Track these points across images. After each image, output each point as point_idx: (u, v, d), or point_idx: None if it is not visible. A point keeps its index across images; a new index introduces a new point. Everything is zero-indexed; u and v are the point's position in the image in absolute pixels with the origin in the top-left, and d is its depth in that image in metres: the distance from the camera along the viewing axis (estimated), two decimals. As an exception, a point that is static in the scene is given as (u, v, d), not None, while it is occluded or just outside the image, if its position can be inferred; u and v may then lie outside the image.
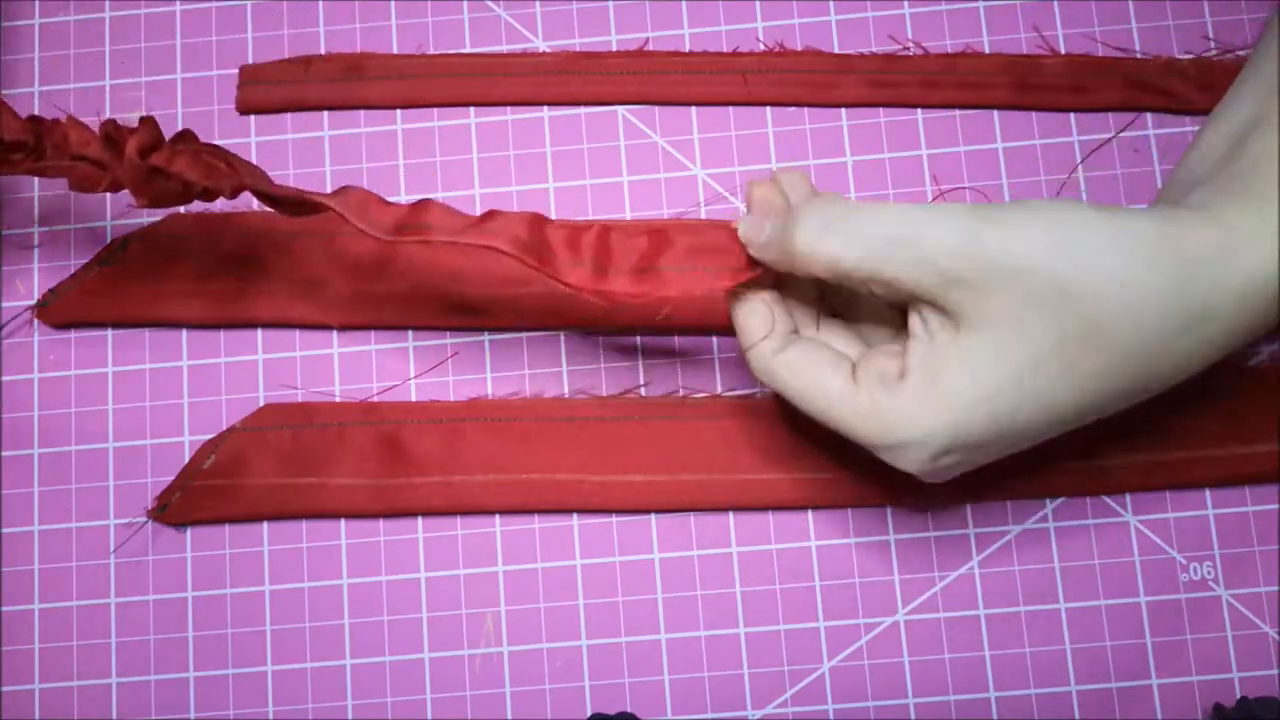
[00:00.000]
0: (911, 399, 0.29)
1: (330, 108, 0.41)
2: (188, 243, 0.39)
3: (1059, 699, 0.36)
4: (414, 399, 0.39)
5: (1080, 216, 0.28)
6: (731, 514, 0.38)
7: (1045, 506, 0.37)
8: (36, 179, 0.40)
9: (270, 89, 0.41)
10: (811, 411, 0.31)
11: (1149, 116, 0.39)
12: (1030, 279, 0.27)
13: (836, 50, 0.40)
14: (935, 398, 0.28)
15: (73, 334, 0.40)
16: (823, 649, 0.37)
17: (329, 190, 0.40)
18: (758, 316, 0.32)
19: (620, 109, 0.40)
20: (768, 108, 0.40)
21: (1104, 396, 0.29)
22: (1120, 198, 0.39)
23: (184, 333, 0.39)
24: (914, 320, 0.29)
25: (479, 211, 0.40)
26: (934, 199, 0.39)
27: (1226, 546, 0.37)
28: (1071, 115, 0.39)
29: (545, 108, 0.40)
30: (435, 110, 0.40)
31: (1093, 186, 0.39)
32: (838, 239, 0.29)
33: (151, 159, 0.31)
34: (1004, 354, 0.28)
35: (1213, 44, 0.40)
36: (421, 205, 0.32)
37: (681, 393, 0.38)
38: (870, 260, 0.28)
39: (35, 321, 0.39)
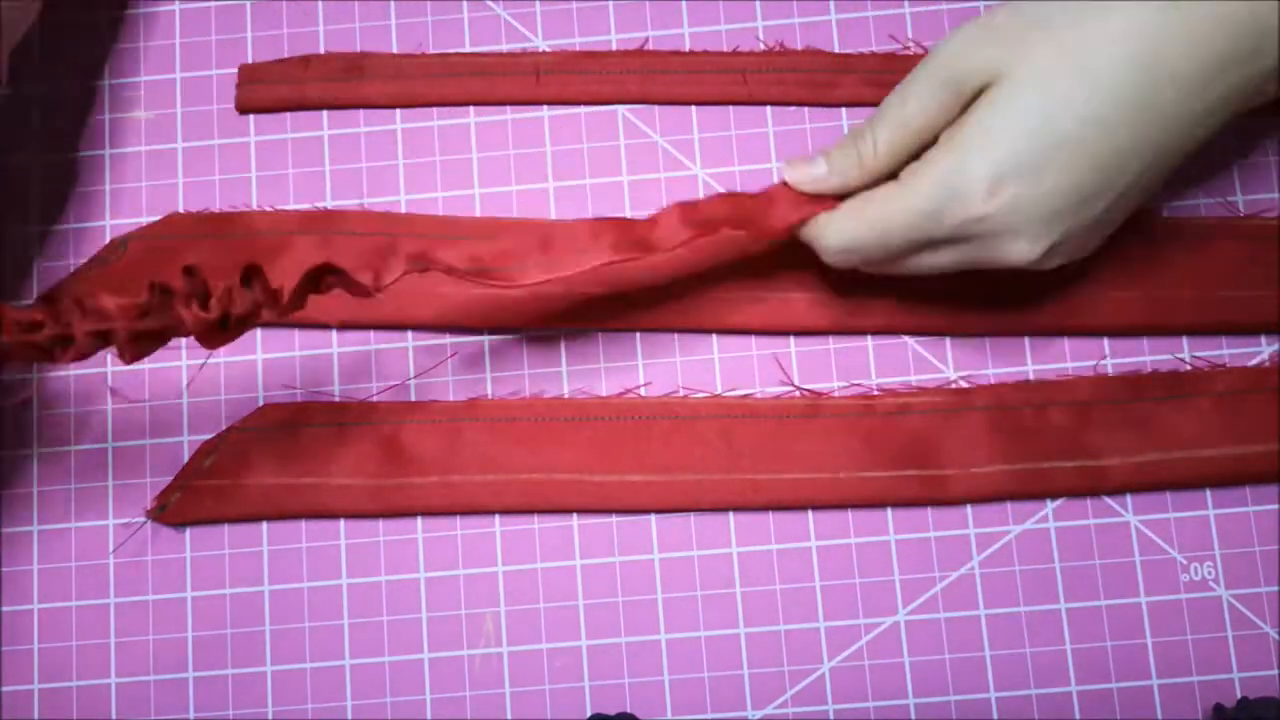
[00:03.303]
0: (945, 150, 0.31)
1: (330, 107, 0.40)
2: (187, 242, 0.39)
3: (1059, 699, 0.36)
4: (414, 399, 0.39)
5: None
6: (731, 514, 0.38)
7: (1045, 506, 0.37)
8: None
9: (270, 88, 0.40)
10: (878, 239, 0.32)
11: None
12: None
13: (837, 50, 0.40)
14: (964, 136, 0.30)
15: (72, 334, 0.39)
16: (823, 649, 0.37)
17: (328, 191, 0.40)
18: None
19: (620, 108, 0.40)
20: (768, 107, 0.40)
21: (1147, 116, 0.30)
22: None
23: (184, 332, 0.39)
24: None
25: (479, 212, 0.40)
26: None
27: (1226, 546, 0.37)
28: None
29: (545, 107, 0.40)
30: (435, 110, 0.40)
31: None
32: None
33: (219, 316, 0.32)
34: (1017, 81, 0.30)
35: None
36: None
37: (681, 393, 0.38)
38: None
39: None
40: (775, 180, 0.35)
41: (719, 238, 0.35)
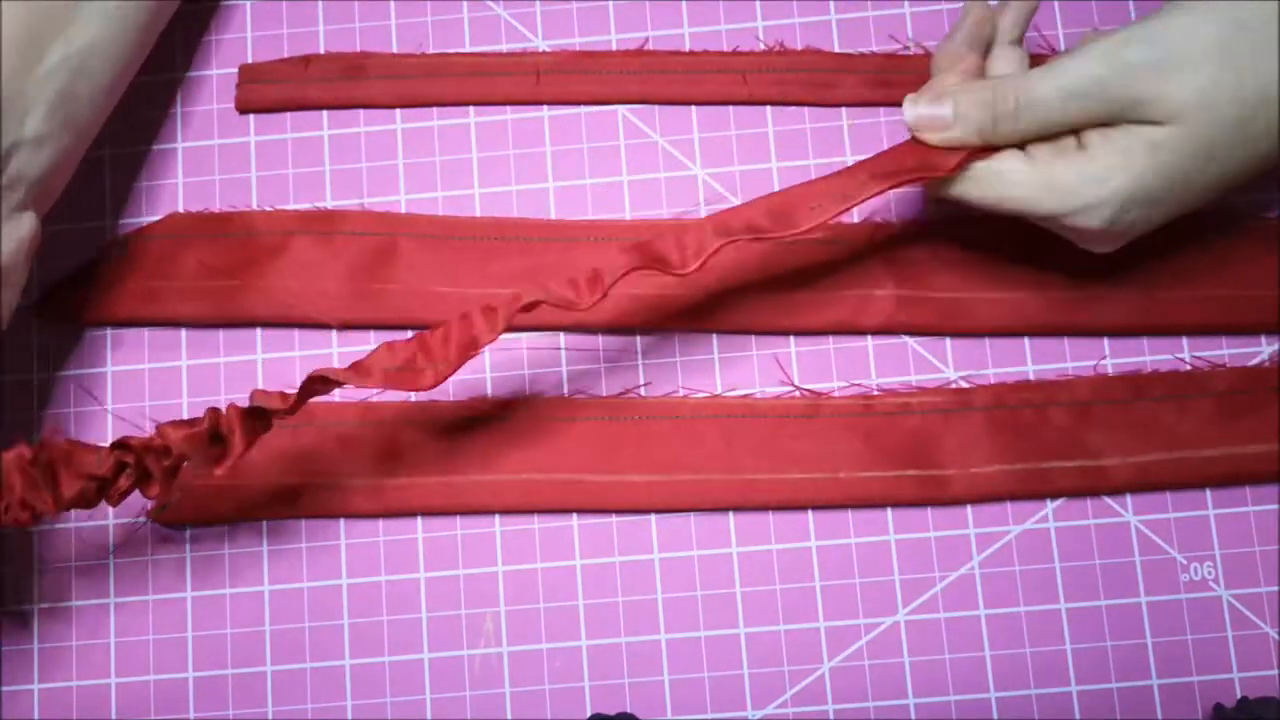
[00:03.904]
0: (1094, 162, 0.31)
1: (330, 107, 0.40)
2: (187, 242, 0.39)
3: (1059, 699, 0.36)
4: (414, 399, 0.39)
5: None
6: (731, 514, 0.38)
7: (1045, 506, 0.37)
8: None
9: (270, 88, 0.40)
10: (995, 200, 0.32)
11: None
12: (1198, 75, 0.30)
13: (837, 49, 0.40)
14: (1117, 160, 0.31)
15: (72, 334, 0.39)
16: (823, 649, 0.37)
17: (328, 191, 0.40)
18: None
19: (620, 108, 0.40)
20: (768, 107, 0.40)
21: (1264, 152, 0.31)
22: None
23: (183, 332, 0.39)
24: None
25: (479, 212, 0.40)
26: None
27: (1226, 546, 0.37)
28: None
29: (545, 107, 0.40)
30: (435, 110, 0.40)
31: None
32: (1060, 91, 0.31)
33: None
34: (1191, 133, 0.30)
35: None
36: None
37: (681, 393, 0.38)
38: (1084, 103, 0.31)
39: (35, 321, 0.39)
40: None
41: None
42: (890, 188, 0.33)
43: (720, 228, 0.33)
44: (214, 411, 0.32)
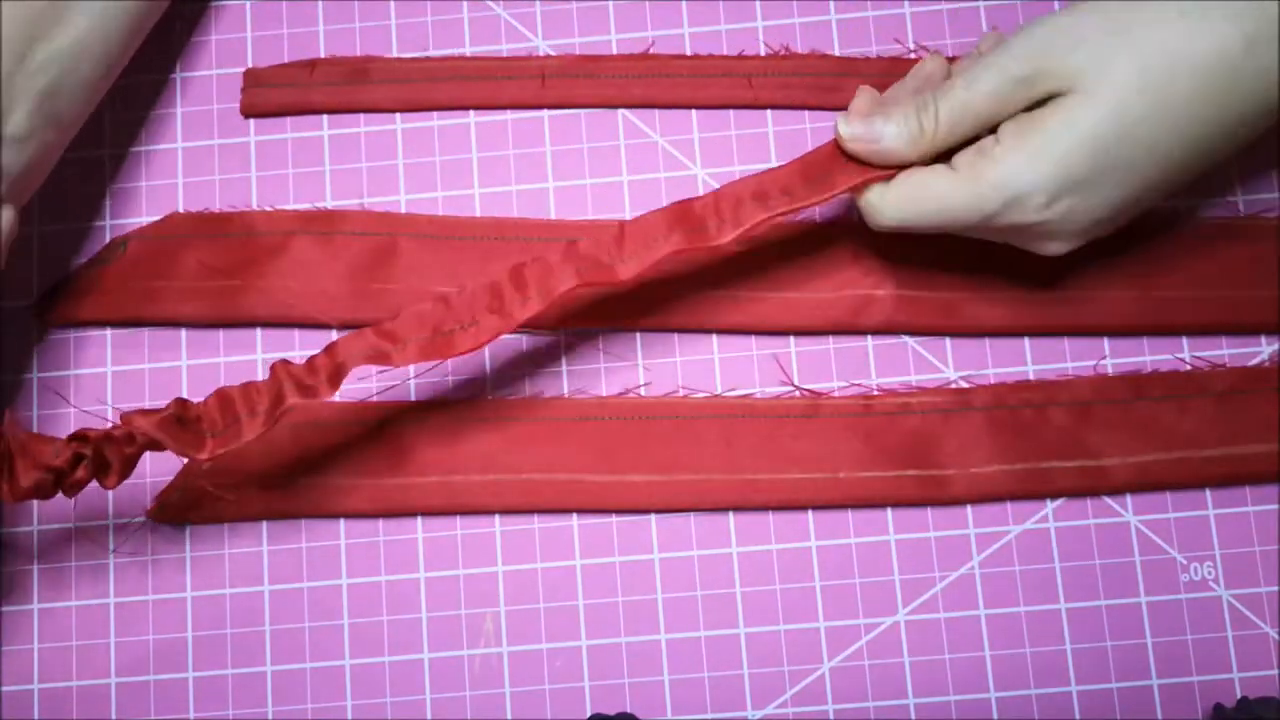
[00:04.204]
0: (1012, 153, 0.31)
1: (334, 111, 0.40)
2: (187, 242, 0.39)
3: (1059, 699, 0.36)
4: (414, 399, 0.39)
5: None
6: (731, 514, 0.38)
7: (1045, 506, 0.37)
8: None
9: (274, 92, 0.40)
10: (932, 220, 0.33)
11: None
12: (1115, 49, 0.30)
13: (837, 50, 0.40)
14: (1034, 146, 0.31)
15: (72, 334, 0.39)
16: (823, 649, 0.37)
17: (328, 191, 0.40)
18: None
19: (620, 109, 0.40)
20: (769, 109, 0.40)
21: (1197, 131, 0.31)
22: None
23: (183, 332, 0.39)
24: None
25: (479, 212, 0.40)
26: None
27: (1226, 546, 0.37)
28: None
29: (546, 108, 0.40)
30: (435, 110, 0.40)
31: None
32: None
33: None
34: (1094, 100, 0.30)
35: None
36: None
37: (681, 393, 0.38)
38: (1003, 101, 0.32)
39: (35, 321, 0.39)
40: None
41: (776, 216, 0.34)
42: (812, 204, 0.34)
43: (759, 194, 0.34)
44: (180, 401, 0.32)
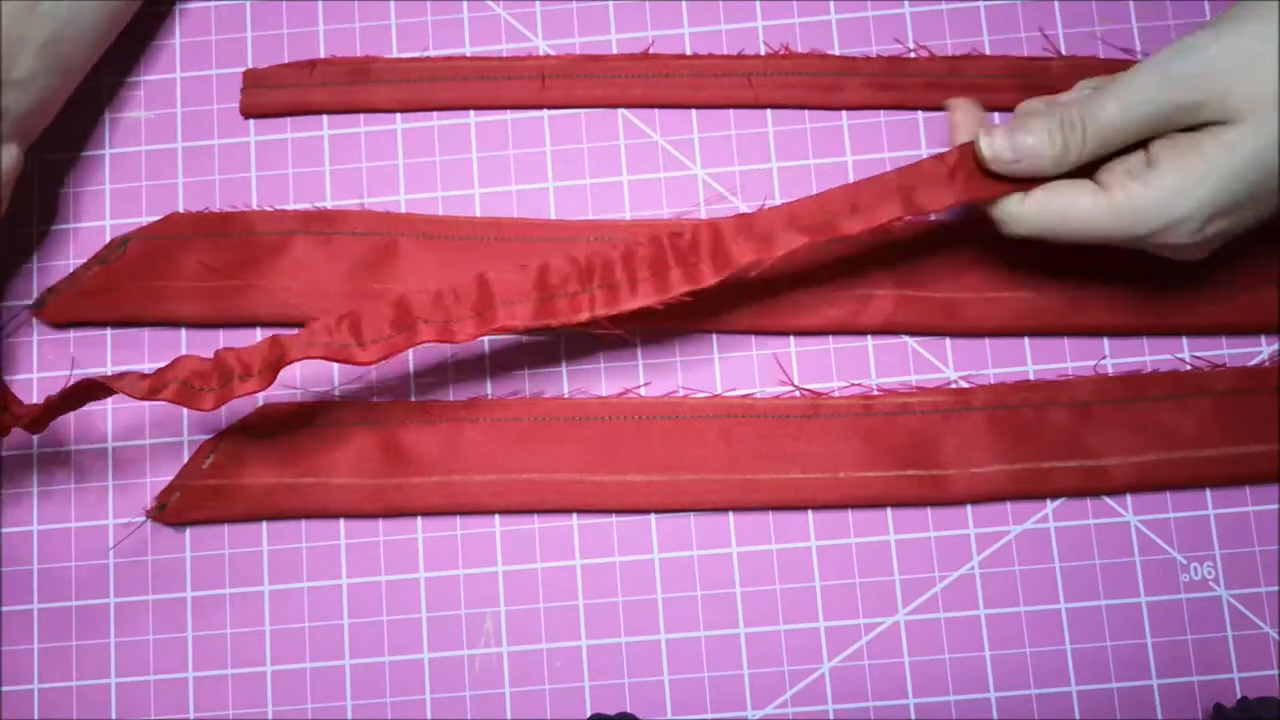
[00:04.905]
0: (1168, 178, 0.31)
1: (335, 111, 0.40)
2: (187, 242, 0.39)
3: (1059, 699, 0.36)
4: (414, 399, 0.39)
5: None
6: (731, 514, 0.38)
7: (1045, 506, 0.37)
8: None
9: (275, 93, 0.40)
10: (1075, 235, 0.33)
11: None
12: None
13: (837, 50, 0.40)
14: (1193, 172, 0.31)
15: (72, 334, 0.39)
16: (823, 649, 0.37)
17: (328, 191, 0.40)
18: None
19: (621, 109, 0.40)
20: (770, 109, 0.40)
21: None
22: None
23: (183, 332, 0.39)
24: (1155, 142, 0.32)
25: (479, 212, 0.40)
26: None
27: (1226, 546, 0.37)
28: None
29: (546, 108, 0.40)
30: (435, 110, 0.40)
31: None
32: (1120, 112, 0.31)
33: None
34: (1258, 129, 0.30)
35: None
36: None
37: (681, 393, 0.38)
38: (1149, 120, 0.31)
39: (34, 321, 0.39)
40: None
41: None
42: (949, 208, 0.34)
43: (798, 222, 0.34)
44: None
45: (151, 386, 0.33)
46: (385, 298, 0.35)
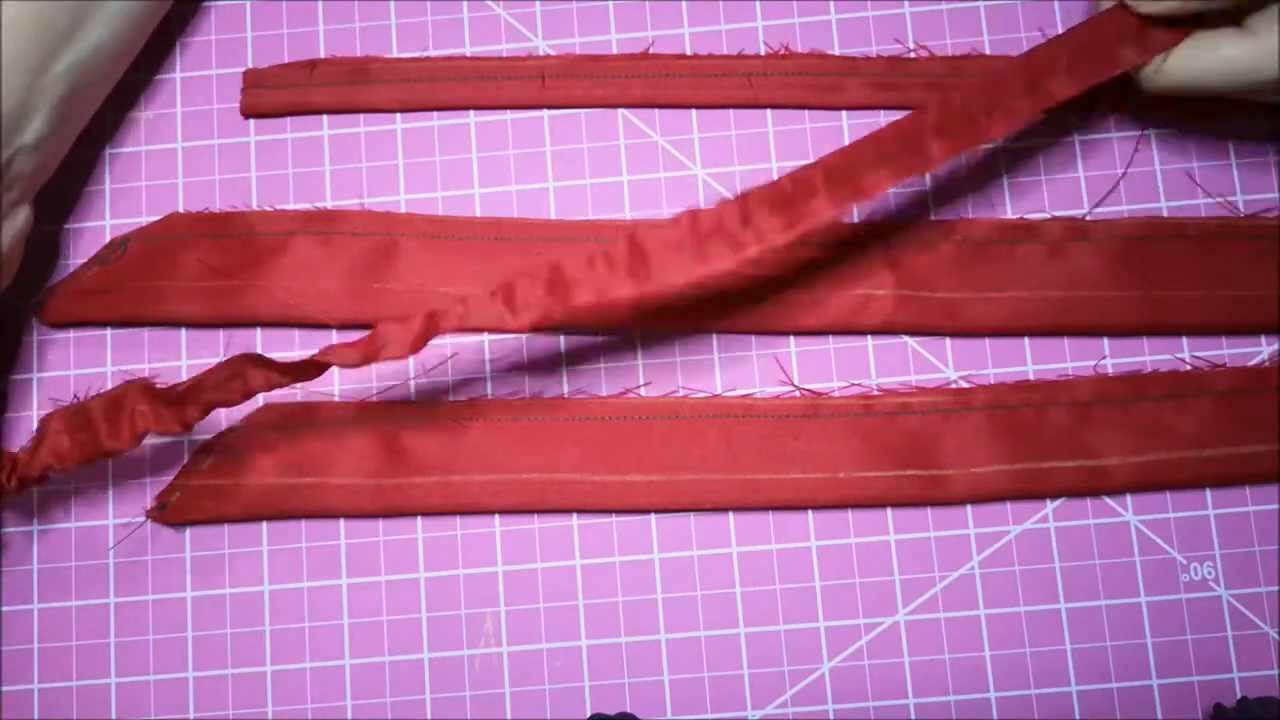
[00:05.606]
0: None
1: (335, 112, 0.40)
2: (187, 242, 0.39)
3: (1059, 699, 0.36)
4: (414, 399, 0.39)
5: None
6: (731, 514, 0.38)
7: (1045, 506, 0.37)
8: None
9: (275, 93, 0.40)
10: (1221, 82, 0.33)
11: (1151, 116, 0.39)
12: None
13: (837, 50, 0.40)
14: None
15: (72, 334, 0.40)
16: (823, 649, 0.37)
17: (328, 191, 0.40)
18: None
19: (621, 109, 0.40)
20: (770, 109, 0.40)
21: None
22: (1121, 196, 0.39)
23: (183, 332, 0.39)
24: None
25: (479, 212, 0.40)
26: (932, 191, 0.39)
27: (1226, 546, 0.37)
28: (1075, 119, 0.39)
29: (546, 108, 0.40)
30: (435, 110, 0.40)
31: (1092, 185, 0.39)
32: None
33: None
34: None
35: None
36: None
37: (681, 393, 0.38)
38: None
39: (34, 321, 0.39)
40: (772, 173, 0.35)
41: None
42: (1092, 84, 0.33)
43: (1029, 81, 0.34)
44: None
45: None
46: (538, 266, 0.34)
